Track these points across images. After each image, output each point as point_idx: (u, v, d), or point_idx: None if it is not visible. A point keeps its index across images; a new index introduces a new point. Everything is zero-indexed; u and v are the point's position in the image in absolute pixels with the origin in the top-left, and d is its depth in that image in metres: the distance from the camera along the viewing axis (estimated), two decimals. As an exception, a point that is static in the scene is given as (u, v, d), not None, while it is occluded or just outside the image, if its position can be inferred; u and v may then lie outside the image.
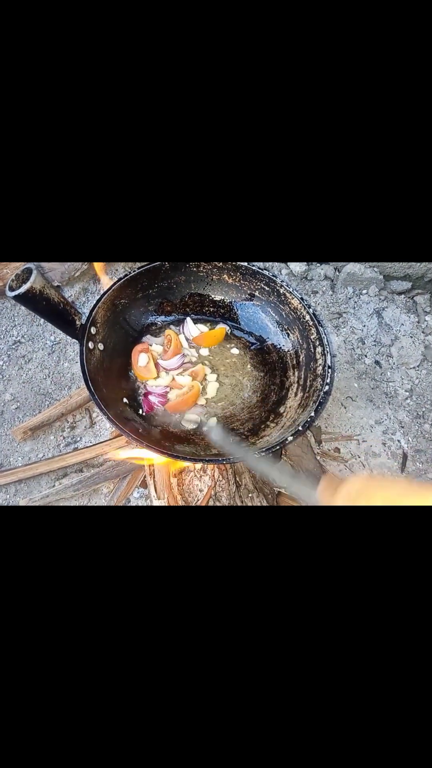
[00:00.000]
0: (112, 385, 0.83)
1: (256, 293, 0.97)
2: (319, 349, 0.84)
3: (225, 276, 0.98)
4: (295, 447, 1.04)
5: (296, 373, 0.89)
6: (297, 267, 1.39)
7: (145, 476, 0.96)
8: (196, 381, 0.90)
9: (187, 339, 0.96)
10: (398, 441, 1.13)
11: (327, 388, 0.78)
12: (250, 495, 0.93)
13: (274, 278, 0.92)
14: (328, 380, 0.79)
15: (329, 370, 0.80)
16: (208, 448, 0.82)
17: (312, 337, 0.86)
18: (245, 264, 0.95)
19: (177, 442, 0.83)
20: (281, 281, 0.92)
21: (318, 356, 0.84)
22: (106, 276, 0.96)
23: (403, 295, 1.38)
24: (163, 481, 0.90)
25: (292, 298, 0.90)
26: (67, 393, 1.17)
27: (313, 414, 0.74)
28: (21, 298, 0.67)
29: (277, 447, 0.72)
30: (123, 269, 1.39)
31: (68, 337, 0.79)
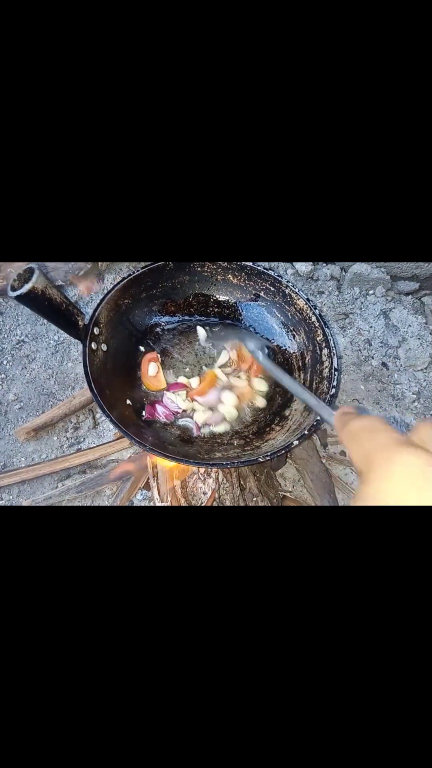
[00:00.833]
0: (115, 386, 0.83)
1: (262, 293, 0.96)
2: (325, 351, 0.82)
3: (230, 276, 0.97)
4: (300, 450, 1.02)
5: (302, 376, 0.88)
6: (303, 267, 1.37)
7: (148, 478, 0.95)
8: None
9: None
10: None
11: (333, 391, 0.76)
12: (254, 499, 0.92)
13: (280, 278, 0.91)
14: (334, 383, 0.77)
15: (336, 373, 0.78)
16: (211, 451, 0.81)
17: (318, 338, 0.85)
18: (250, 264, 0.93)
19: (180, 444, 0.82)
20: (287, 281, 0.90)
21: (324, 358, 0.82)
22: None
23: (410, 296, 1.36)
24: (166, 484, 0.89)
25: (298, 299, 0.89)
26: (71, 393, 1.16)
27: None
28: (23, 299, 0.66)
29: (283, 451, 0.71)
30: (127, 269, 1.38)
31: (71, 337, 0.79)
